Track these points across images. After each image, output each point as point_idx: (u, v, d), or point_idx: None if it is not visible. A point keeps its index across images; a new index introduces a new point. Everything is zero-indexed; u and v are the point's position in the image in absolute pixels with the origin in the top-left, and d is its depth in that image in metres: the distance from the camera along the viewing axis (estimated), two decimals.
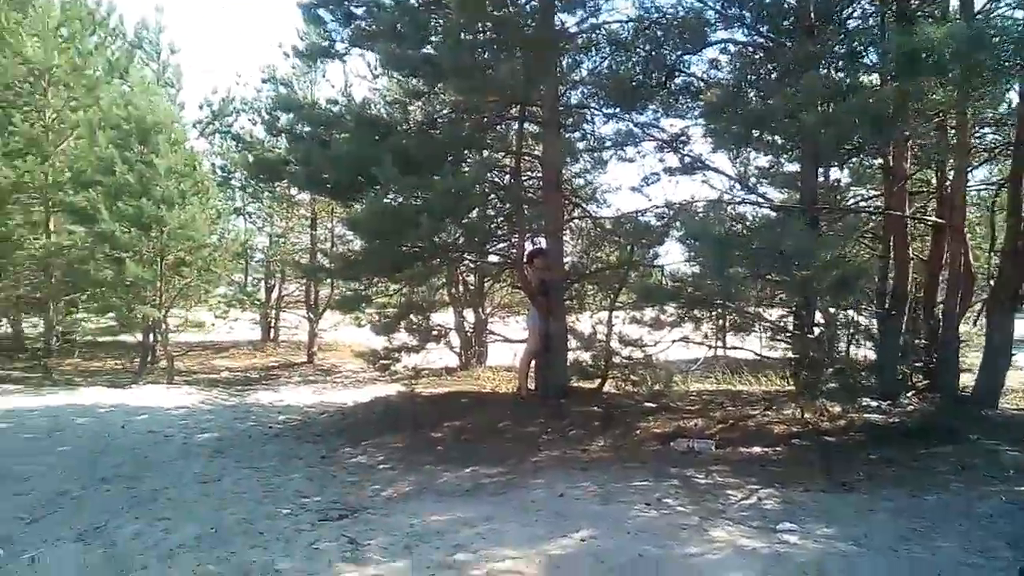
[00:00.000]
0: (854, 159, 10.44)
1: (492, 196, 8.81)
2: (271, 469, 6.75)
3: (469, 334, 14.12)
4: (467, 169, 7.55)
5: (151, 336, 13.80)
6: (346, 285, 10.88)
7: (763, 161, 10.46)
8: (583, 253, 10.06)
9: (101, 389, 11.54)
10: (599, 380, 8.76)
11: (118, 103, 12.73)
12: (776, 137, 7.02)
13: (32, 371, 13.18)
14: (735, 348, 9.45)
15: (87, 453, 7.39)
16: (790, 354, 8.62)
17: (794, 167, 10.12)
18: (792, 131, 6.13)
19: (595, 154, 9.46)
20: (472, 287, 14.10)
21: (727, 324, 8.72)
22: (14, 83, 13.65)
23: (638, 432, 7.44)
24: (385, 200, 7.23)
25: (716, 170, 8.46)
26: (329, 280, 13.80)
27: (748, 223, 8.38)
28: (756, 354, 8.93)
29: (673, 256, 8.99)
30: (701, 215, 7.64)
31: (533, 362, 9.00)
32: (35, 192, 13.77)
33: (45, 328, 14.49)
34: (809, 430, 7.32)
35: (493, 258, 10.31)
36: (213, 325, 14.50)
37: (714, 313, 8.37)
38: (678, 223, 7.30)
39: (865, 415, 7.66)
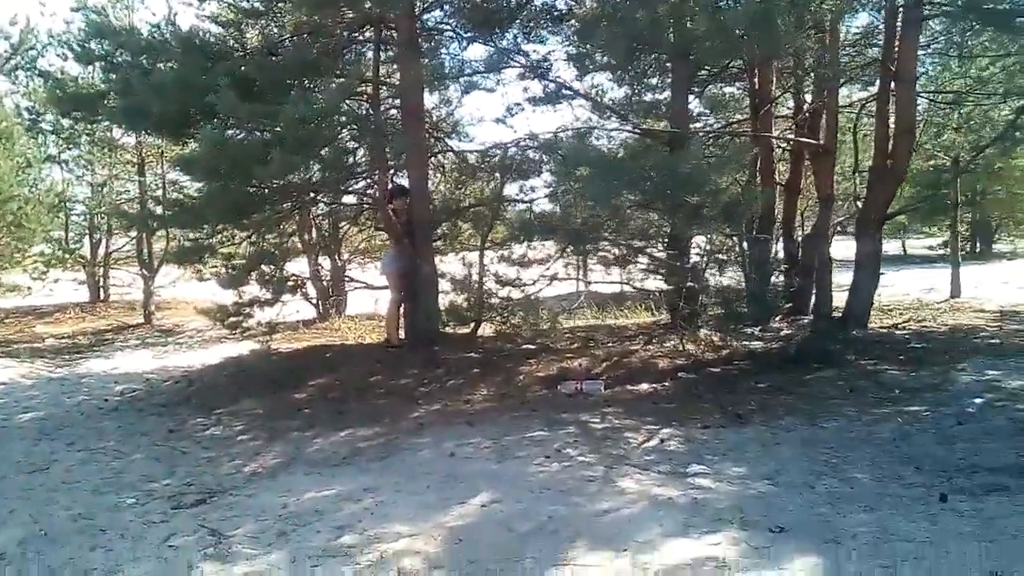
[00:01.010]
0: (711, 86, 10.40)
1: (350, 127, 7.99)
2: (110, 450, 5.86)
3: (326, 283, 13.24)
4: (319, 96, 6.69)
5: None
6: (184, 235, 9.72)
7: (620, 93, 10.20)
8: (451, 189, 9.43)
9: None
10: (473, 324, 8.26)
11: None
12: (653, 55, 6.61)
13: None
14: (610, 283, 9.18)
15: None
16: (664, 285, 8.44)
17: (652, 96, 9.95)
18: (675, 45, 5.72)
19: (456, 81, 8.81)
20: (327, 232, 13.17)
21: (609, 258, 8.37)
22: None
23: (521, 377, 7.08)
24: (225, 134, 6.30)
25: (585, 96, 8.02)
26: (164, 231, 12.39)
27: (620, 151, 8.04)
28: (633, 287, 8.68)
29: (542, 191, 8.59)
30: (575, 143, 7.19)
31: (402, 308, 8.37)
32: None
33: None
34: (693, 362, 7.24)
35: (350, 198, 9.50)
36: (30, 288, 12.87)
37: (591, 247, 7.99)
38: (557, 152, 6.80)
39: (744, 343, 7.62)
